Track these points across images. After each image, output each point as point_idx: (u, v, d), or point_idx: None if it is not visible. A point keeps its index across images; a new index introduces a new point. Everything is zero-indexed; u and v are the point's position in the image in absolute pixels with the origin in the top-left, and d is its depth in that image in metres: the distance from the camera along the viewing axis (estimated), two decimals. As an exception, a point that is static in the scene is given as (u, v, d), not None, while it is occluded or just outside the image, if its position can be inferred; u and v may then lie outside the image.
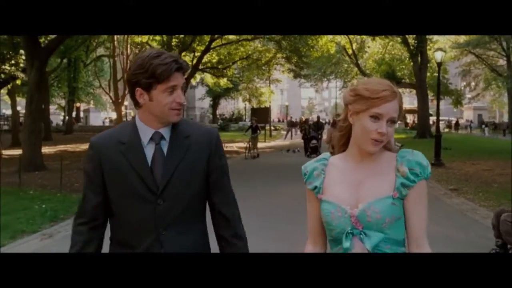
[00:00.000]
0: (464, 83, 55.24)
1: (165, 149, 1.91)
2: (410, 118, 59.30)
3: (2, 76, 23.84)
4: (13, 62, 22.90)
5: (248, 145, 21.18)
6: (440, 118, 64.68)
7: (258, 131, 21.92)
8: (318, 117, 26.03)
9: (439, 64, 17.30)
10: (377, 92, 1.67)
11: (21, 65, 23.28)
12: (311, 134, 21.18)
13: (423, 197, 1.72)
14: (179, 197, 1.90)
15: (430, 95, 44.36)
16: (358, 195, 1.73)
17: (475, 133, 49.13)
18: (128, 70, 1.91)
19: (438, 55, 17.00)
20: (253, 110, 37.42)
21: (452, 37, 40.94)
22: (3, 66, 22.79)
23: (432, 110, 36.12)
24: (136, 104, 1.89)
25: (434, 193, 10.71)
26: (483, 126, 48.90)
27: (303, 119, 30.03)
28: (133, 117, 2.00)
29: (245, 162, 19.51)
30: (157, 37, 28.38)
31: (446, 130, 54.37)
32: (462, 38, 39.37)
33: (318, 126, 22.38)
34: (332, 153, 1.91)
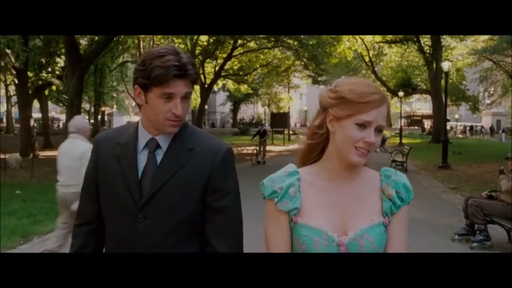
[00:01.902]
0: (483, 89, 55.55)
1: (159, 160, 1.69)
2: (427, 124, 59.92)
3: (39, 82, 25.60)
4: (49, 69, 24.60)
5: (255, 151, 20.38)
6: (460, 123, 64.80)
7: (266, 136, 21.34)
8: None
9: (446, 74, 18.52)
10: (365, 95, 1.42)
11: (57, 72, 25.01)
12: None
13: (406, 223, 1.54)
14: (166, 216, 1.65)
15: (448, 100, 45.06)
16: (344, 221, 1.49)
17: (487, 138, 49.65)
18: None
19: (445, 65, 18.10)
20: (273, 115, 38.51)
21: (470, 44, 41.50)
22: (40, 74, 24.52)
23: (450, 116, 36.53)
24: (137, 103, 1.71)
25: (433, 191, 11.91)
26: (500, 131, 49.36)
27: None
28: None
29: (254, 168, 18.98)
30: (181, 46, 29.78)
31: (467, 135, 55.07)
32: (479, 45, 39.94)
33: None
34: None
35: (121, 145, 1.72)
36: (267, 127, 30.73)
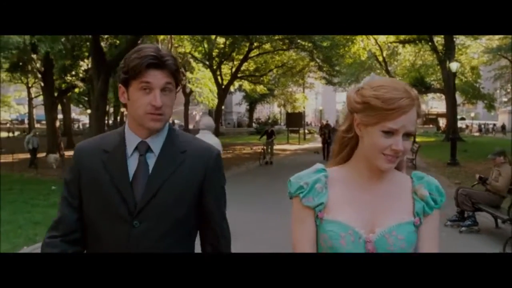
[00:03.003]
0: (500, 86, 55.61)
1: (151, 163, 1.69)
2: (442, 122, 60.10)
3: (63, 86, 26.75)
4: (73, 73, 25.72)
5: (262, 151, 20.41)
6: (477, 121, 64.56)
7: (274, 136, 21.00)
8: (337, 121, 23.81)
9: (454, 74, 19.19)
10: (391, 101, 1.34)
11: (80, 75, 26.13)
12: (331, 139, 20.14)
13: (437, 229, 1.50)
14: (161, 220, 1.66)
15: (463, 99, 45.37)
16: (373, 218, 1.45)
17: (499, 136, 49.88)
18: None
19: (454, 66, 18.72)
20: (288, 115, 39.24)
21: (484, 42, 41.79)
22: (65, 77, 25.64)
23: (466, 114, 36.24)
24: (124, 106, 1.71)
25: (438, 185, 12.67)
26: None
27: (324, 123, 29.51)
28: (124, 124, 1.78)
29: (262, 168, 19.01)
30: (199, 47, 30.65)
31: (483, 133, 55.30)
32: (494, 43, 40.24)
33: (336, 130, 21.61)
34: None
35: (107, 152, 1.70)
36: (283, 126, 30.97)
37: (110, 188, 1.65)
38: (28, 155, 18.54)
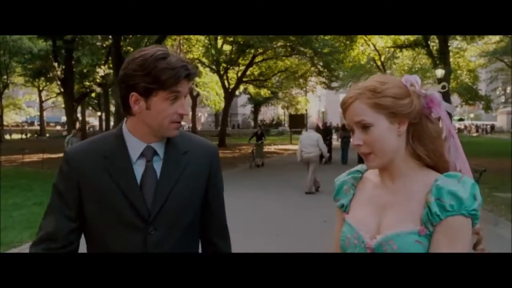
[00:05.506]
0: (501, 88, 56.96)
1: (157, 167, 1.61)
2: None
3: (81, 90, 28.61)
4: (91, 78, 27.55)
5: (252, 153, 19.37)
6: (479, 122, 65.87)
7: (263, 138, 19.93)
8: (325, 123, 23.63)
9: (440, 80, 20.87)
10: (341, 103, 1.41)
11: (97, 80, 27.97)
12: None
13: (457, 239, 1.28)
14: (175, 224, 1.61)
15: (461, 100, 46.91)
16: (381, 221, 1.40)
17: (489, 136, 51.52)
18: (123, 68, 1.53)
19: (438, 73, 20.41)
20: (291, 117, 40.86)
21: (481, 46, 43.31)
22: (83, 82, 27.49)
23: (466, 115, 36.66)
24: (127, 111, 1.56)
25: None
26: (512, 130, 51.13)
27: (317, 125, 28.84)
28: (119, 127, 1.64)
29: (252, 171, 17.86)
30: (207, 54, 32.17)
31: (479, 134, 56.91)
32: (491, 46, 41.74)
33: (326, 132, 21.02)
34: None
35: (108, 158, 1.59)
36: (286, 128, 31.88)
37: (119, 197, 1.56)
38: (42, 155, 19.76)
